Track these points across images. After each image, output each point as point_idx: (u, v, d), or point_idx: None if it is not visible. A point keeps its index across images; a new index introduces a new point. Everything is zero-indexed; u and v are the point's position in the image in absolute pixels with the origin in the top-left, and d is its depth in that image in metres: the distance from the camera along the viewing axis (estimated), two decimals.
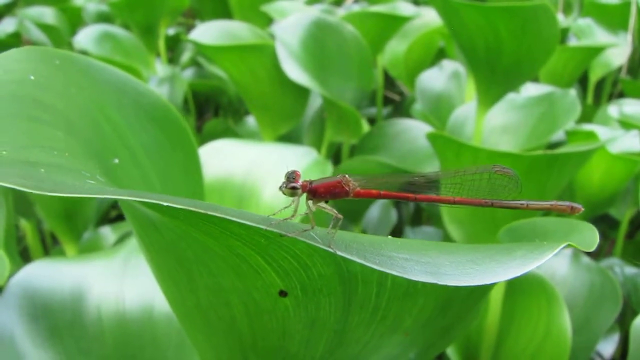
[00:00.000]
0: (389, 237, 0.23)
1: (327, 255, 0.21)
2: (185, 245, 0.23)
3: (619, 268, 0.88)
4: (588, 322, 0.74)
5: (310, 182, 0.27)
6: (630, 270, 0.88)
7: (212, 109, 1.43)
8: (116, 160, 0.29)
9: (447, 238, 0.88)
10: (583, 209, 0.28)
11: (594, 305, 0.75)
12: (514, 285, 0.70)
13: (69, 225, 0.74)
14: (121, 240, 0.84)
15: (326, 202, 0.28)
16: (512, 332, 0.72)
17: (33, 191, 0.17)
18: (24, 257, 0.95)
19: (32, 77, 0.25)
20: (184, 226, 0.21)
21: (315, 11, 1.06)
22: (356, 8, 1.39)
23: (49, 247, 1.07)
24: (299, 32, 0.88)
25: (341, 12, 1.27)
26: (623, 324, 0.85)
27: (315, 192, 0.27)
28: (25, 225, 0.93)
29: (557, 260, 0.77)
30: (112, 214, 1.26)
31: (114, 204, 1.27)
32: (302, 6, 1.13)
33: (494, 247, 0.23)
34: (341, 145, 1.02)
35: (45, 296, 0.53)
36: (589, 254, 0.85)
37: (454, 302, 0.27)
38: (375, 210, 1.00)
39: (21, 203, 0.87)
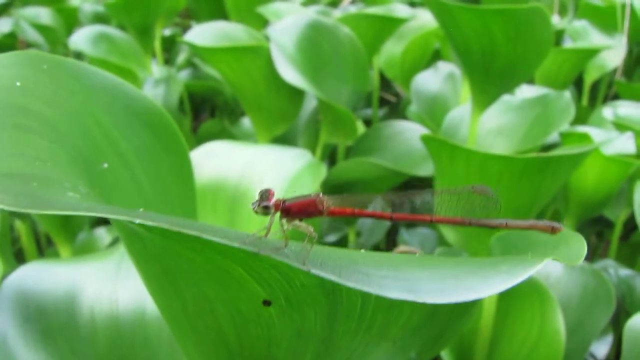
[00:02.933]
0: (368, 251, 0.23)
1: None
2: (168, 256, 0.23)
3: (613, 270, 0.88)
4: (582, 324, 0.74)
5: (284, 201, 0.27)
6: (624, 271, 0.88)
7: (209, 110, 1.43)
8: (105, 165, 0.29)
9: (442, 239, 0.89)
10: (563, 229, 0.28)
11: (588, 306, 0.75)
12: None
13: (64, 227, 0.74)
14: (116, 241, 0.84)
15: (300, 220, 0.28)
16: (505, 334, 0.72)
17: (10, 208, 0.17)
18: (18, 258, 0.95)
19: (19, 84, 0.25)
20: (165, 240, 0.21)
21: (310, 13, 1.06)
22: (352, 9, 1.39)
23: (44, 248, 1.07)
24: (294, 33, 0.88)
25: (337, 13, 1.27)
26: (617, 325, 0.86)
27: (288, 211, 0.27)
28: (19, 226, 0.93)
29: (551, 262, 0.78)
30: None
31: None
32: (298, 8, 1.14)
33: (478, 262, 0.22)
34: (336, 147, 1.02)
35: (38, 298, 0.53)
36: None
37: (441, 312, 0.27)
38: None
39: None
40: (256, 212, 0.27)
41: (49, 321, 0.53)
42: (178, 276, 0.24)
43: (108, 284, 0.55)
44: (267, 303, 0.23)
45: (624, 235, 1.06)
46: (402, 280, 0.19)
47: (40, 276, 0.54)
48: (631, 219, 1.00)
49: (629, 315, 0.84)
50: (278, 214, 0.27)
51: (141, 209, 0.21)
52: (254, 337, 0.25)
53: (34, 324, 0.52)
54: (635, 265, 0.98)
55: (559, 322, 0.67)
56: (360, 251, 0.23)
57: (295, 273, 0.21)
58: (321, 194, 0.28)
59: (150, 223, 0.17)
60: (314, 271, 0.19)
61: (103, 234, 0.93)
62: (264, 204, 0.27)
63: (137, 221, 0.17)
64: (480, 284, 0.19)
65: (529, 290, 0.69)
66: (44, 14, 1.37)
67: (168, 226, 0.17)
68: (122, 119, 0.32)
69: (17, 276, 0.54)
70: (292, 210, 0.27)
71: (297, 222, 0.27)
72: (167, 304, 0.27)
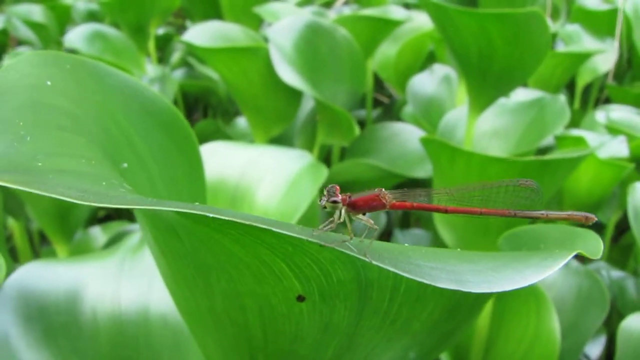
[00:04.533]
0: (412, 245, 0.24)
1: (348, 263, 0.22)
2: (207, 252, 0.23)
3: (606, 271, 0.89)
4: (576, 325, 0.75)
5: (349, 196, 0.29)
6: (616, 273, 0.89)
7: (201, 110, 1.43)
8: (125, 165, 0.29)
9: (435, 240, 0.89)
10: (596, 219, 0.30)
11: (582, 308, 0.76)
12: None
13: (62, 226, 0.74)
14: (112, 241, 0.84)
15: (363, 214, 0.29)
16: (501, 335, 0.73)
17: (78, 202, 0.17)
18: (11, 257, 0.94)
19: (49, 83, 0.25)
20: (214, 234, 0.21)
21: (307, 14, 1.07)
22: (346, 10, 1.40)
23: (37, 247, 1.06)
24: (292, 34, 0.88)
25: (332, 14, 1.27)
26: (609, 326, 0.87)
27: (354, 205, 0.29)
28: (13, 224, 0.92)
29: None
30: (100, 213, 1.26)
31: None
32: (294, 8, 1.14)
33: (509, 255, 0.23)
34: (331, 149, 1.02)
35: (40, 297, 0.53)
36: (576, 257, 0.86)
37: (460, 307, 0.28)
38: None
39: (10, 202, 0.86)
40: (324, 207, 0.28)
41: (51, 320, 0.53)
42: (212, 272, 0.24)
43: (110, 284, 0.55)
44: (301, 299, 0.24)
45: (614, 238, 1.08)
46: (449, 272, 0.20)
47: (42, 275, 0.54)
48: (622, 221, 1.02)
49: (621, 316, 0.85)
50: (344, 208, 0.28)
51: (197, 203, 0.21)
52: (280, 332, 0.25)
53: (36, 323, 0.52)
54: (626, 267, 0.99)
55: (554, 323, 0.68)
56: (405, 245, 0.24)
57: (334, 269, 0.22)
58: (383, 189, 0.29)
59: (225, 217, 0.18)
60: (375, 262, 0.20)
61: (98, 234, 0.93)
62: (333, 199, 0.28)
63: (211, 215, 0.18)
64: (515, 276, 0.21)
65: (525, 292, 0.70)
66: (36, 11, 1.36)
67: (242, 220, 0.18)
68: (138, 119, 0.32)
69: (18, 275, 0.53)
70: (358, 204, 0.29)
71: (360, 215, 0.29)
72: (192, 302, 0.27)
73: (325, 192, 0.28)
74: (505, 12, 0.69)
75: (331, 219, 0.27)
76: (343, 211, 0.28)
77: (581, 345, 0.74)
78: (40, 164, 0.20)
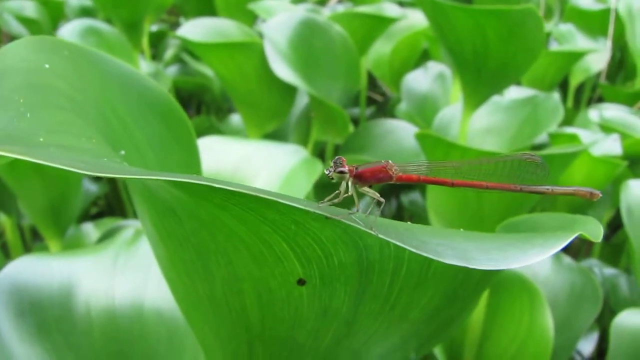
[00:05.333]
0: (416, 224, 0.24)
1: (350, 243, 0.21)
2: (207, 233, 0.23)
3: (598, 269, 0.89)
4: (569, 321, 0.76)
5: (356, 167, 0.28)
6: (608, 270, 0.90)
7: (195, 107, 1.43)
8: (122, 152, 0.29)
9: None
10: (601, 195, 0.30)
11: (575, 305, 0.76)
12: (497, 285, 0.71)
13: (54, 221, 0.73)
14: (105, 237, 0.83)
15: (370, 186, 0.29)
16: (495, 331, 0.73)
17: (82, 172, 0.17)
18: (2, 253, 0.93)
19: (47, 66, 0.25)
20: (215, 211, 0.21)
21: (302, 10, 1.07)
22: (340, 8, 1.39)
23: (28, 243, 1.06)
24: (287, 31, 0.88)
25: (326, 11, 1.27)
26: (601, 322, 0.87)
27: (360, 177, 0.28)
28: (4, 220, 0.91)
29: (540, 260, 0.79)
30: (92, 210, 1.25)
31: (95, 201, 1.25)
32: (289, 5, 1.14)
33: (513, 236, 0.24)
34: (325, 146, 1.02)
35: (33, 291, 0.53)
36: (569, 254, 0.87)
37: (459, 294, 0.28)
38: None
39: (1, 197, 0.86)
40: (331, 177, 0.28)
41: (44, 315, 0.52)
42: (212, 256, 0.24)
43: (104, 278, 0.55)
44: (301, 282, 0.23)
45: (607, 236, 1.08)
46: (455, 249, 0.20)
47: (35, 270, 0.54)
48: (614, 219, 1.02)
49: (613, 313, 0.85)
50: (350, 180, 0.28)
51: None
52: (278, 318, 0.25)
53: (29, 318, 0.52)
54: (617, 265, 0.99)
55: (548, 320, 0.68)
56: (409, 223, 0.24)
57: (336, 250, 0.22)
58: (390, 161, 0.29)
59: (230, 188, 0.17)
60: (382, 236, 0.19)
61: (90, 230, 0.92)
62: (340, 169, 0.28)
63: (217, 186, 0.18)
64: (520, 255, 0.21)
65: (518, 288, 0.70)
66: (28, 7, 1.35)
67: (249, 192, 0.18)
68: (135, 108, 0.32)
69: (11, 270, 0.53)
70: (365, 175, 0.28)
71: (366, 188, 0.28)
72: (190, 288, 0.27)
73: (332, 163, 0.28)
74: (501, 8, 0.69)
75: (337, 191, 0.27)
76: (349, 183, 0.28)
77: (574, 341, 0.75)
78: (41, 139, 0.20)
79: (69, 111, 0.24)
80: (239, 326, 0.26)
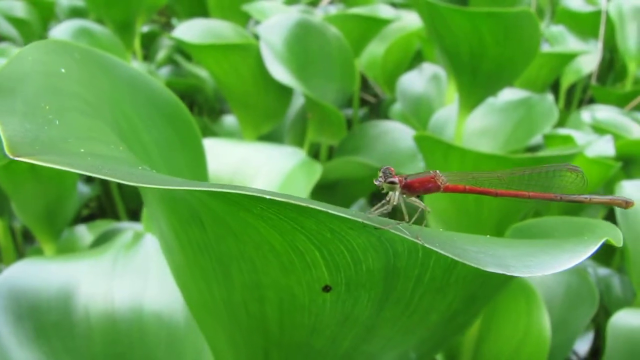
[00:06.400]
0: (449, 231, 0.24)
1: (381, 250, 0.21)
2: (232, 241, 0.23)
3: (592, 269, 0.90)
4: (565, 322, 0.76)
5: (405, 177, 0.28)
6: (602, 271, 0.90)
7: (188, 108, 1.42)
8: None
9: None
10: (635, 204, 0.30)
11: (571, 304, 0.76)
12: None
13: (49, 224, 0.73)
14: (99, 239, 0.83)
15: (418, 196, 0.29)
16: (492, 332, 0.73)
17: (139, 185, 0.16)
18: None
19: (63, 70, 0.25)
20: (251, 220, 0.21)
21: (296, 12, 1.06)
22: (332, 9, 1.40)
23: (20, 246, 1.05)
24: (283, 32, 0.88)
25: (318, 13, 1.27)
26: (595, 322, 0.88)
27: (410, 187, 0.28)
28: None
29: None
30: (83, 213, 1.24)
31: (87, 203, 1.24)
32: (282, 6, 1.13)
33: (541, 242, 0.24)
34: (319, 148, 1.02)
35: (31, 295, 0.52)
36: None
37: (477, 297, 0.28)
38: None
39: None
40: (381, 188, 0.28)
41: (43, 319, 0.52)
42: (234, 263, 0.24)
43: (103, 282, 0.54)
44: (327, 289, 0.23)
45: None
46: (492, 256, 0.20)
47: (34, 274, 0.53)
48: (607, 220, 1.03)
49: (607, 312, 0.86)
50: (399, 190, 0.28)
51: None
52: (298, 325, 0.25)
53: (27, 322, 0.51)
54: (610, 265, 1.00)
55: (545, 320, 0.68)
56: (442, 230, 0.24)
57: (365, 257, 0.22)
58: (438, 171, 0.29)
59: (278, 198, 0.17)
60: (428, 245, 0.19)
61: (84, 232, 0.91)
62: (391, 179, 0.28)
63: (269, 197, 0.17)
64: (552, 261, 0.21)
65: (515, 289, 0.70)
66: (18, 7, 1.34)
67: (295, 202, 0.17)
68: (144, 111, 0.32)
69: (9, 274, 0.52)
70: (414, 186, 0.28)
71: (414, 197, 0.28)
72: (207, 295, 0.27)
73: (381, 173, 0.28)
74: (497, 10, 0.69)
75: (384, 201, 0.27)
76: (398, 193, 0.28)
77: (571, 341, 0.75)
78: (82, 149, 0.19)
79: (92, 117, 0.23)
80: (256, 332, 0.26)
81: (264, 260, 0.23)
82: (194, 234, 0.24)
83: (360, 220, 0.19)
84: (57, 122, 0.20)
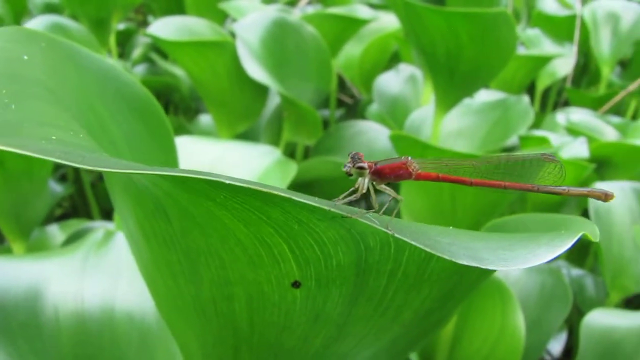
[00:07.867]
0: (424, 224, 0.24)
1: (351, 244, 0.21)
2: (198, 234, 0.22)
3: (566, 270, 0.91)
4: (539, 322, 0.76)
5: (375, 163, 0.27)
6: (576, 271, 0.91)
7: (163, 107, 1.40)
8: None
9: None
10: (615, 196, 0.30)
11: (546, 305, 0.77)
12: None
13: (18, 221, 0.71)
14: (70, 239, 0.81)
15: (387, 183, 0.28)
16: (467, 332, 0.73)
17: (86, 167, 0.16)
18: None
19: (26, 57, 0.24)
20: (216, 210, 0.20)
21: (274, 10, 1.06)
22: (310, 9, 1.39)
23: None
24: (259, 30, 0.87)
25: (296, 12, 1.26)
26: (568, 322, 0.89)
27: (380, 173, 0.27)
28: None
29: None
30: (57, 212, 1.22)
31: (60, 202, 1.22)
32: (260, 5, 1.13)
33: (517, 236, 0.23)
34: (295, 147, 1.01)
35: None
36: None
37: (453, 294, 0.28)
38: None
39: None
40: (349, 174, 0.27)
41: (9, 319, 0.51)
42: (202, 258, 0.23)
43: (73, 281, 0.53)
44: (296, 285, 0.22)
45: None
46: (465, 248, 0.20)
47: (1, 273, 0.52)
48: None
49: (580, 312, 0.87)
50: (368, 176, 0.27)
51: None
52: (268, 323, 0.24)
53: None
54: (583, 266, 1.01)
55: (519, 320, 0.69)
56: (419, 223, 0.23)
57: (336, 251, 0.21)
58: (410, 157, 0.28)
59: (240, 184, 0.16)
60: (398, 235, 0.19)
61: (56, 231, 0.89)
62: (360, 164, 0.26)
63: (228, 182, 0.17)
64: (528, 255, 0.21)
65: (490, 289, 0.70)
66: None
67: (261, 188, 0.17)
68: (112, 104, 0.31)
69: None
70: (384, 172, 0.27)
71: (383, 185, 0.27)
72: (175, 292, 0.26)
73: (349, 158, 0.27)
74: (474, 11, 0.69)
75: (352, 188, 0.26)
76: (367, 180, 0.27)
77: (545, 341, 0.75)
78: (35, 134, 0.18)
79: (52, 104, 0.23)
80: (225, 331, 0.25)
81: (231, 254, 0.22)
82: (160, 227, 0.23)
83: (325, 207, 0.19)
84: (13, 107, 0.20)
